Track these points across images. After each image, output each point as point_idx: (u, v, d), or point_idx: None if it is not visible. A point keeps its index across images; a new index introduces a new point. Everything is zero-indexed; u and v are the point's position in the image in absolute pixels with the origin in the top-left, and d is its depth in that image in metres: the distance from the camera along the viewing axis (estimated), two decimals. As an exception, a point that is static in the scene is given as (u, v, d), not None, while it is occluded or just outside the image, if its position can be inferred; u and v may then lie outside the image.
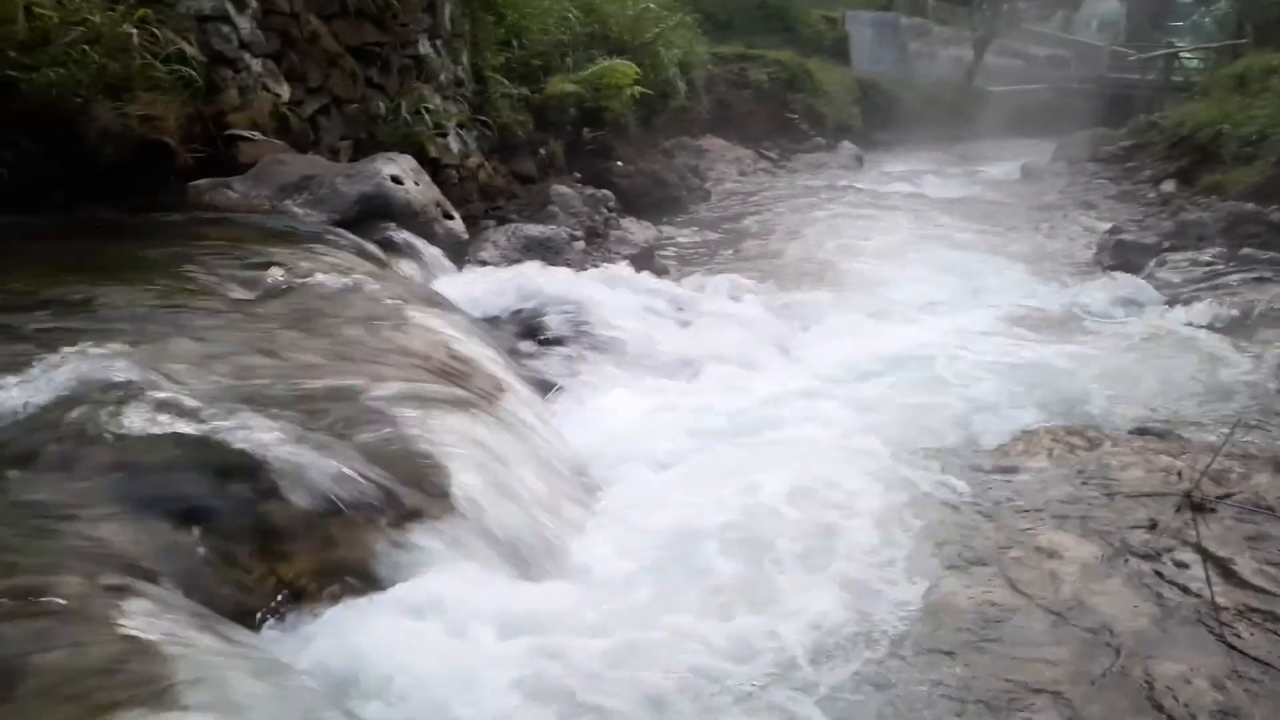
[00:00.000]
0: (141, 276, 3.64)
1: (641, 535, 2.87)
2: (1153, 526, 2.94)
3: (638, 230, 8.42)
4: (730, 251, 8.92)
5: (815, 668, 2.32)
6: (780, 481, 3.15)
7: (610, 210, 8.21)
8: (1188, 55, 27.87)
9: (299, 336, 3.30)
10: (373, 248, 4.74)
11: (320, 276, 3.89)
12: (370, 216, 5.03)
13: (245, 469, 2.45)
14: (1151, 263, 8.23)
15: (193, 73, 4.92)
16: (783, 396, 4.33)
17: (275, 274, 3.82)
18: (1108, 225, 10.56)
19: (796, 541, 2.84)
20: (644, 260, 7.58)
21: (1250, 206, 9.52)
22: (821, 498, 3.12)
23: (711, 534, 2.83)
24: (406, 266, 4.88)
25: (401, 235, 5.04)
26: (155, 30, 4.81)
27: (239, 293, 3.65)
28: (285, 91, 5.71)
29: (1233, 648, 2.38)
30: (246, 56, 5.42)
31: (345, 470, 2.58)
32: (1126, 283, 7.28)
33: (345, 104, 6.31)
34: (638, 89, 9.80)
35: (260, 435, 2.53)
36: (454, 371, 3.47)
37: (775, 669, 2.31)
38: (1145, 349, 5.43)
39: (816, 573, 2.71)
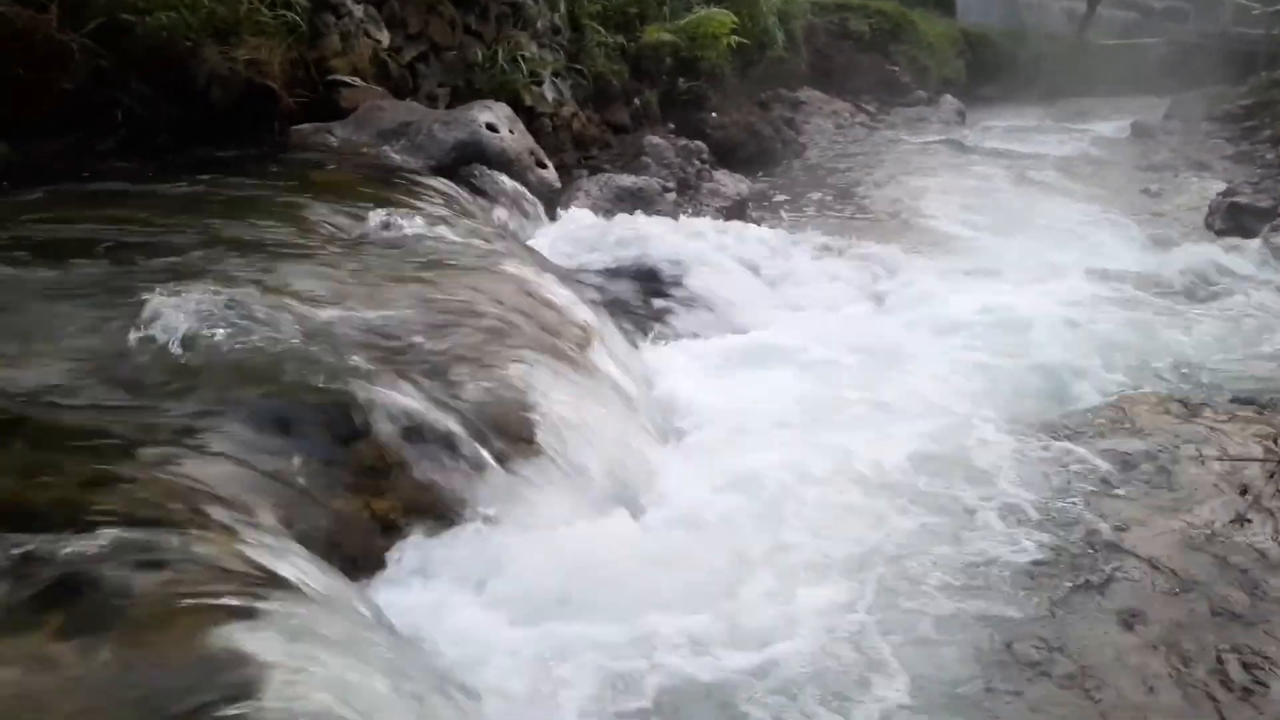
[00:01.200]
0: (247, 218, 3.75)
1: (714, 483, 2.89)
2: (1242, 492, 2.86)
3: (730, 183, 8.34)
4: (824, 207, 8.80)
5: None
6: (868, 440, 3.14)
7: (703, 162, 8.14)
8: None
9: (395, 280, 3.37)
10: (467, 194, 4.81)
11: (417, 221, 3.96)
12: (466, 163, 5.09)
13: (344, 406, 2.53)
14: (1266, 228, 7.86)
15: (297, 18, 5.02)
16: (875, 354, 4.28)
17: (374, 218, 3.91)
18: (1221, 187, 10.12)
19: (861, 501, 2.83)
20: (735, 213, 7.52)
21: (1377, 171, 9.03)
22: (903, 458, 3.10)
23: (787, 488, 2.83)
24: (500, 213, 4.94)
25: (496, 182, 5.10)
26: (260, -24, 4.91)
27: (339, 235, 3.74)
28: (385, 38, 5.78)
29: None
30: (348, 2, 5.50)
31: (437, 412, 2.65)
32: (1236, 248, 6.99)
33: (443, 51, 6.37)
34: (735, 39, 9.66)
35: (358, 376, 2.61)
36: (544, 319, 3.52)
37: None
38: (1253, 318, 5.22)
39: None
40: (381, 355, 2.79)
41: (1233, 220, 8.35)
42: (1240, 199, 8.78)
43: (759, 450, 3.07)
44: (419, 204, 4.21)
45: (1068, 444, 3.33)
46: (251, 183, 4.37)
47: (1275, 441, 3.11)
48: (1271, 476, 2.84)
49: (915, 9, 22.25)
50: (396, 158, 4.92)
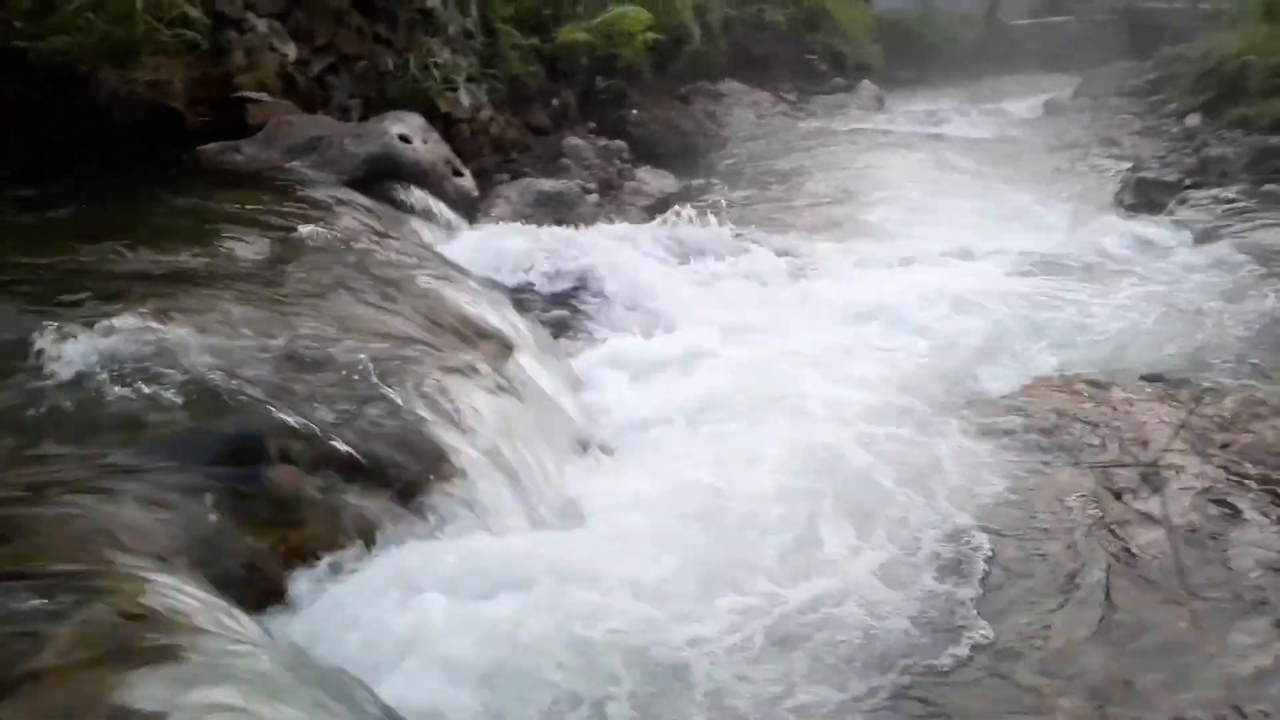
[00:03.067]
0: (150, 244, 3.66)
1: (647, 493, 2.89)
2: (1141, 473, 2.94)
3: (653, 180, 8.36)
4: (747, 199, 8.84)
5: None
6: (786, 438, 3.17)
7: (624, 161, 8.16)
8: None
9: (307, 300, 3.32)
10: (382, 208, 4.75)
11: (329, 239, 3.90)
12: (379, 176, 5.03)
13: (255, 437, 2.48)
14: (1173, 201, 8.09)
15: (197, 36, 4.91)
16: (795, 347, 4.32)
17: (284, 237, 3.84)
18: (1130, 163, 10.39)
19: (786, 502, 2.85)
20: (659, 211, 7.51)
21: (1276, 140, 9.32)
22: (824, 451, 3.13)
23: (710, 488, 2.85)
24: (417, 226, 4.89)
25: (411, 194, 5.04)
26: (158, -6, 4.79)
27: (247, 256, 3.66)
28: (292, 51, 5.68)
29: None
30: (251, 17, 5.39)
31: (354, 436, 2.61)
32: (1146, 223, 7.18)
33: (353, 61, 6.28)
34: (651, 35, 9.67)
35: (270, 404, 2.56)
36: (463, 332, 3.49)
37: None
38: (1162, 292, 5.35)
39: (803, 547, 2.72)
40: (294, 380, 2.74)
41: (1142, 195, 8.57)
42: (1148, 174, 9.03)
43: (685, 457, 3.08)
44: (330, 221, 4.15)
45: (981, 429, 3.39)
46: (156, 206, 4.27)
47: (1181, 425, 3.17)
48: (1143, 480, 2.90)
49: (830, -3, 22.49)
50: (307, 173, 4.84)
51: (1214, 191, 8.20)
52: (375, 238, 4.13)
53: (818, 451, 3.17)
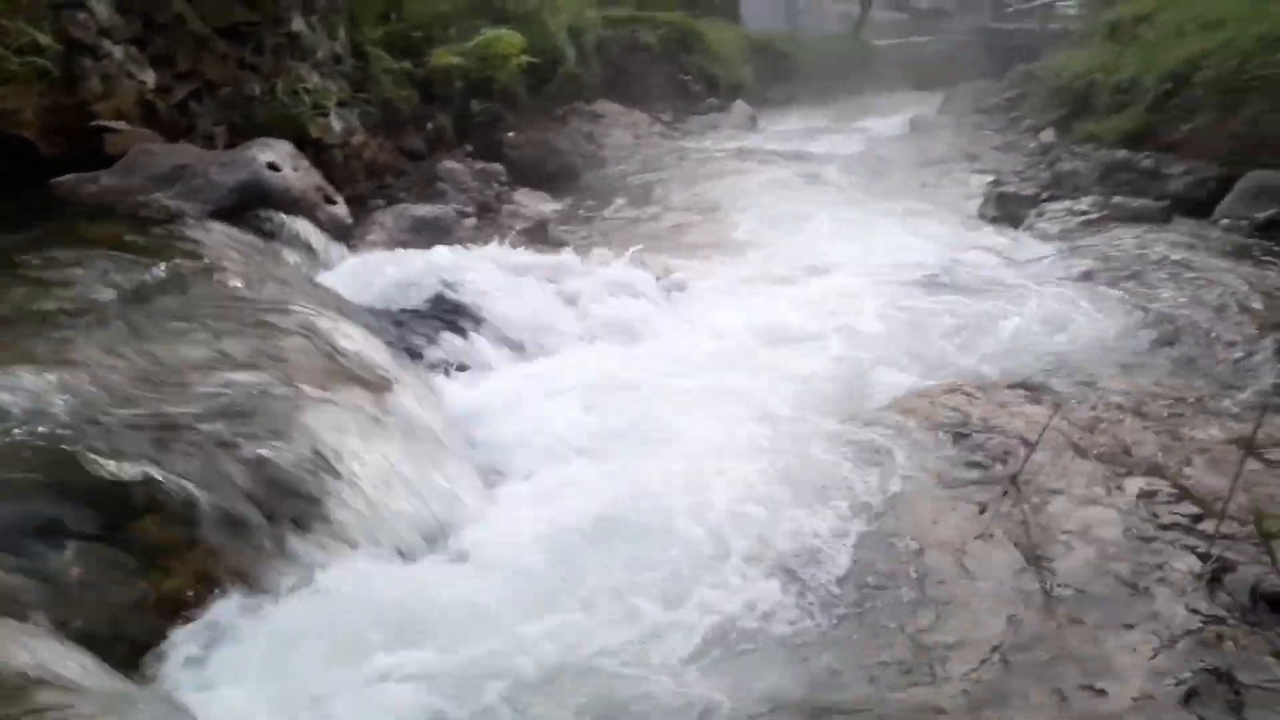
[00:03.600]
0: (2, 284, 3.49)
1: (532, 522, 2.89)
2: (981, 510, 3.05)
3: (531, 202, 8.36)
4: (624, 219, 8.92)
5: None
6: (668, 461, 3.20)
7: (502, 184, 8.13)
8: (1065, 3, 28.56)
9: (172, 339, 3.21)
10: (251, 238, 4.63)
11: (194, 272, 3.79)
12: (248, 205, 4.90)
13: (120, 485, 2.40)
14: (1032, 213, 8.50)
15: (48, 64, 4.71)
16: (675, 368, 4.38)
17: (145, 272, 3.71)
18: (991, 177, 10.86)
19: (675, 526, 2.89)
20: (538, 234, 7.54)
21: (1122, 154, 9.86)
22: (705, 476, 3.18)
23: (598, 517, 2.87)
24: (288, 256, 4.78)
25: (281, 223, 4.93)
26: (5, 21, 4.58)
27: (107, 294, 3.53)
28: (151, 78, 5.50)
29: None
30: (107, 43, 5.20)
31: (227, 477, 2.54)
32: (1007, 235, 7.52)
33: (218, 87, 6.10)
34: (525, 58, 9.67)
35: (134, 447, 2.47)
36: (338, 365, 3.43)
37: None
38: (1022, 302, 5.60)
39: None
40: (160, 424, 2.65)
41: (1002, 209, 8.96)
42: (1007, 188, 9.45)
43: (565, 486, 3.08)
44: (195, 253, 4.02)
45: (858, 442, 3.49)
46: (7, 242, 4.07)
47: (1045, 430, 3.31)
48: (1007, 491, 3.01)
49: (702, 18, 22.90)
50: (171, 204, 4.68)
51: (1068, 204, 8.65)
52: (244, 270, 4.02)
53: (700, 473, 3.22)
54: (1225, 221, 7.40)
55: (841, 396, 4.15)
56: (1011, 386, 4.13)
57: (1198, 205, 7.95)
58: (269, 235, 4.83)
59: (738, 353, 4.76)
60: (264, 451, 2.68)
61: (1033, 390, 4.07)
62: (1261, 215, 7.17)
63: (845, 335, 4.98)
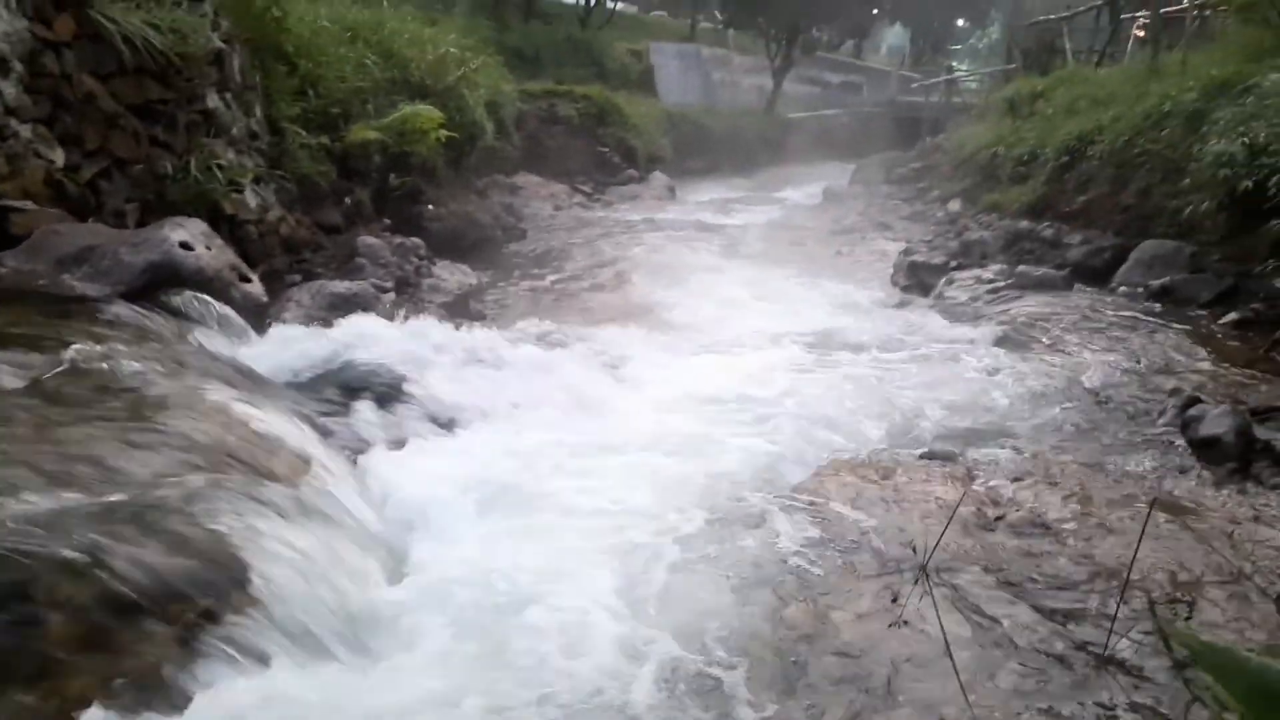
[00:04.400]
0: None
1: (451, 609, 2.84)
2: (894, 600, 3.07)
3: (451, 276, 8.36)
4: (544, 290, 8.97)
5: None
6: (583, 539, 3.20)
7: (421, 257, 8.12)
8: (966, 79, 29.83)
9: (79, 426, 3.12)
10: (162, 319, 4.53)
11: (100, 357, 3.69)
12: (159, 285, 4.80)
13: (19, 585, 2.30)
14: (941, 282, 8.77)
15: (-50, 143, 4.60)
16: (590, 447, 4.38)
17: (51, 357, 3.60)
18: (902, 246, 11.19)
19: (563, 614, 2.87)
20: (458, 307, 7.54)
21: (1025, 224, 10.29)
22: (619, 558, 3.18)
23: (515, 603, 2.84)
24: (202, 336, 4.69)
25: (194, 303, 4.84)
26: (-95, 101, 4.47)
27: (9, 381, 3.42)
28: (59, 156, 5.40)
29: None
30: (13, 123, 5.10)
31: (133, 572, 2.46)
32: (918, 304, 7.74)
33: (129, 165, 6.01)
34: (444, 132, 9.73)
35: (35, 548, 2.38)
36: (253, 449, 3.36)
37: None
38: (935, 370, 5.77)
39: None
40: (65, 516, 2.56)
41: (913, 277, 9.25)
42: (917, 257, 9.75)
43: (482, 575, 3.04)
44: (103, 337, 3.93)
45: (772, 530, 3.49)
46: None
47: (959, 501, 3.40)
48: (917, 578, 3.06)
49: (620, 91, 23.36)
50: (79, 285, 4.57)
51: (976, 272, 8.95)
52: (155, 352, 3.94)
53: (615, 552, 3.22)
54: (1123, 289, 7.74)
55: (759, 471, 4.18)
56: (925, 457, 4.23)
57: (1096, 273, 8.32)
58: (181, 316, 4.73)
59: (656, 426, 4.80)
60: (174, 541, 2.60)
61: (945, 460, 4.17)
62: (1155, 283, 7.52)
63: (763, 407, 5.05)
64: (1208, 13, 11.29)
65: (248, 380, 4.08)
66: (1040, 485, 3.84)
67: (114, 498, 2.72)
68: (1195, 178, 7.74)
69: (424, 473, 3.99)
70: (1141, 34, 15.18)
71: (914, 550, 3.13)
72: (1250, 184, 6.77)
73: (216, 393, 3.73)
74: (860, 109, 33.91)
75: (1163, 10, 13.20)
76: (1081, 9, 18.34)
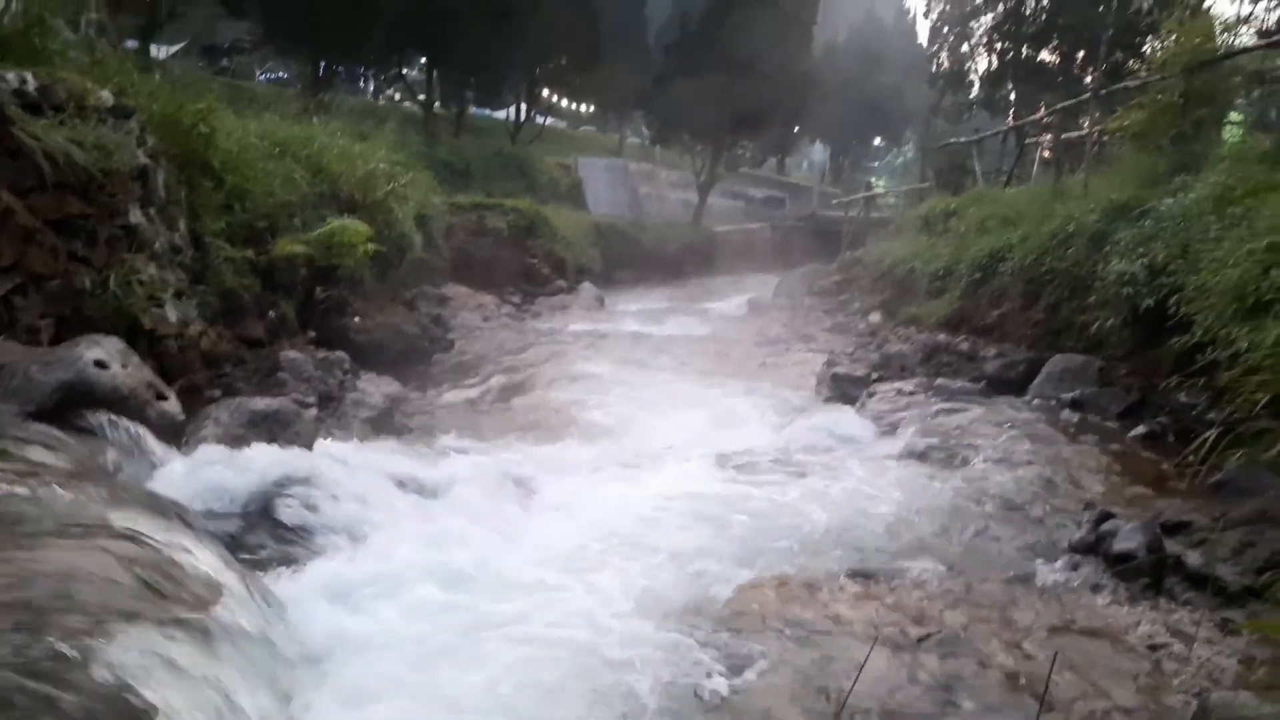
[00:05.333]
0: None
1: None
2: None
3: (376, 389, 8.27)
4: (470, 403, 8.95)
5: None
6: (490, 672, 3.14)
7: (345, 371, 8.04)
8: (884, 195, 31.00)
9: (-24, 559, 2.99)
10: (73, 441, 4.41)
11: (5, 481, 3.56)
12: (72, 405, 4.68)
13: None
14: (863, 394, 8.94)
15: None
16: (511, 564, 4.33)
17: (-48, 485, 3.47)
18: (825, 358, 11.42)
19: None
20: (383, 423, 7.46)
21: (942, 337, 10.60)
22: (539, 679, 3.12)
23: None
24: (114, 458, 4.56)
25: (108, 424, 4.72)
26: None
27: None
28: (-28, 273, 5.30)
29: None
30: (-75, 239, 5.01)
31: (31, 705, 2.34)
32: (841, 417, 7.86)
33: (45, 281, 5.90)
34: (372, 245, 9.76)
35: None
36: (161, 578, 3.25)
37: None
38: (857, 486, 5.84)
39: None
40: (-46, 659, 2.44)
41: (837, 389, 9.41)
42: (840, 369, 9.94)
43: (396, 699, 2.96)
44: (9, 460, 3.80)
45: (687, 662, 3.43)
46: None
47: (882, 622, 3.41)
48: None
49: (549, 204, 23.79)
50: (-15, 406, 4.44)
51: (897, 384, 9.16)
52: (63, 476, 3.82)
53: (530, 680, 3.16)
54: (1037, 401, 7.97)
55: (678, 597, 4.10)
56: (848, 575, 4.25)
57: (1012, 385, 8.57)
58: (94, 437, 4.61)
59: (577, 546, 4.74)
60: (75, 676, 2.48)
61: (867, 578, 4.19)
62: (1067, 395, 7.77)
63: (685, 528, 5.04)
64: (1105, 138, 11.94)
65: (159, 505, 3.95)
66: (961, 603, 3.87)
67: (9, 630, 2.60)
68: (1100, 295, 8.08)
69: (335, 597, 3.89)
70: (1048, 155, 15.98)
71: (826, 700, 3.09)
72: (1151, 302, 7.10)
73: (124, 518, 3.62)
74: (783, 223, 34.96)
75: (1064, 136, 13.94)
76: (989, 133, 19.29)
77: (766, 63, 27.44)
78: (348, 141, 11.89)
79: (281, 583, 3.96)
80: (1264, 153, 8.54)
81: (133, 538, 3.44)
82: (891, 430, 7.43)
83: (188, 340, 7.10)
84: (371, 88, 41.46)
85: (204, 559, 3.60)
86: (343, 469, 5.08)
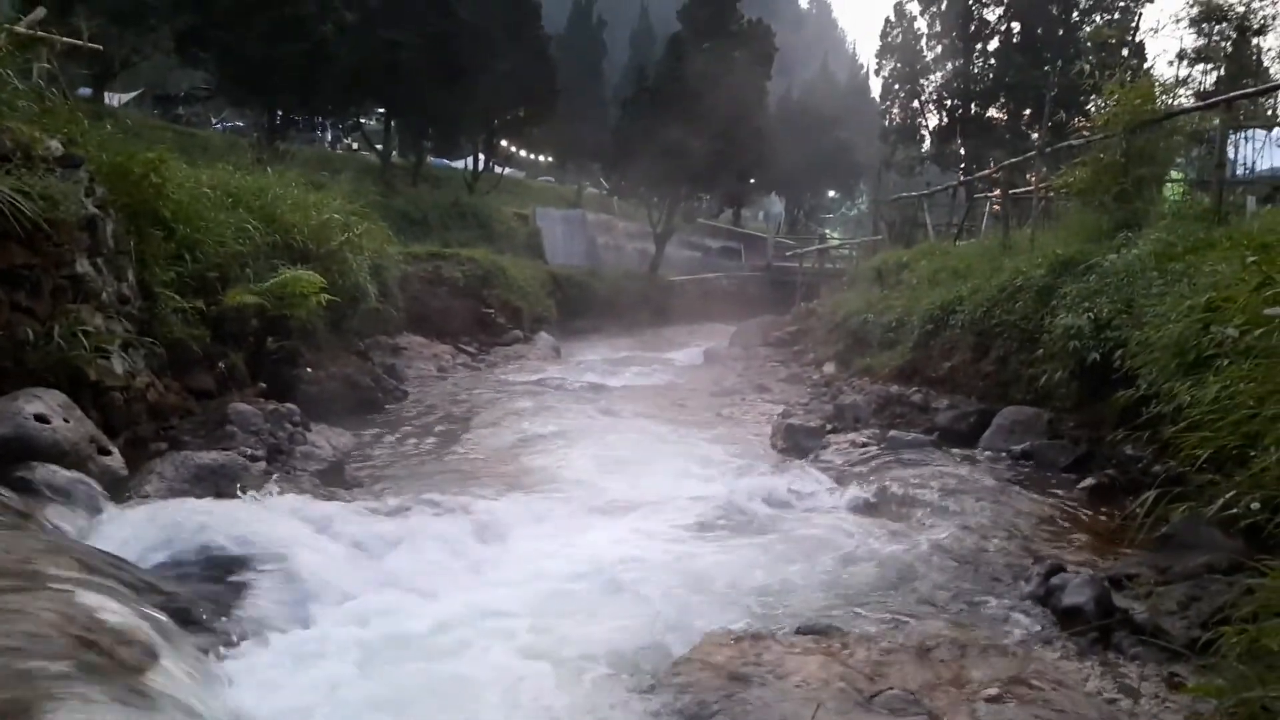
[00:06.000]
0: None
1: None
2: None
3: (327, 442, 8.17)
4: (423, 454, 8.84)
5: None
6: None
7: (295, 424, 7.93)
8: (838, 247, 31.44)
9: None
10: (11, 496, 4.30)
11: (-63, 542, 3.46)
12: (12, 460, 4.59)
13: None
14: (818, 445, 8.99)
15: None
16: (469, 624, 4.26)
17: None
18: (780, 408, 11.47)
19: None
20: (331, 475, 7.35)
21: (895, 388, 10.70)
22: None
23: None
24: (54, 514, 4.45)
25: (48, 479, 4.61)
26: None
27: None
28: (-91, 327, 5.19)
29: None
30: None
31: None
32: (796, 468, 7.88)
33: (-14, 332, 5.80)
34: (325, 296, 9.70)
35: None
36: (96, 640, 3.15)
37: None
38: (810, 539, 5.84)
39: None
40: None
41: (791, 440, 9.44)
42: (794, 420, 9.99)
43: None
44: (-58, 520, 3.70)
45: (639, 704, 3.41)
46: None
47: (835, 678, 3.39)
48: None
49: (505, 254, 23.84)
50: (-82, 462, 4.32)
51: (851, 436, 9.22)
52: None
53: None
54: (988, 453, 8.06)
55: (627, 652, 4.05)
56: (799, 631, 4.23)
57: (963, 437, 8.66)
58: (33, 492, 4.50)
59: (534, 603, 4.68)
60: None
61: (821, 634, 4.17)
62: (1017, 447, 7.87)
63: (642, 582, 4.99)
64: (1052, 194, 12.22)
65: (97, 563, 3.85)
66: (913, 659, 3.86)
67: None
68: (1048, 348, 8.22)
69: (277, 660, 3.80)
70: (997, 209, 16.32)
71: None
72: (1098, 356, 7.22)
73: (59, 577, 3.52)
74: (739, 273, 35.30)
75: (1012, 191, 14.26)
76: (939, 188, 19.69)
77: (722, 117, 27.86)
78: (302, 191, 11.85)
79: (218, 645, 3.86)
80: (1203, 211, 8.79)
81: (66, 599, 3.34)
82: (845, 483, 7.45)
83: (134, 392, 6.98)
84: (329, 136, 41.54)
85: (139, 620, 3.50)
86: (287, 524, 4.99)
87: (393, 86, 27.62)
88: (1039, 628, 4.45)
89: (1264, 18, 11.63)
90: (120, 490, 5.18)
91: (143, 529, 4.59)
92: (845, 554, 5.58)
